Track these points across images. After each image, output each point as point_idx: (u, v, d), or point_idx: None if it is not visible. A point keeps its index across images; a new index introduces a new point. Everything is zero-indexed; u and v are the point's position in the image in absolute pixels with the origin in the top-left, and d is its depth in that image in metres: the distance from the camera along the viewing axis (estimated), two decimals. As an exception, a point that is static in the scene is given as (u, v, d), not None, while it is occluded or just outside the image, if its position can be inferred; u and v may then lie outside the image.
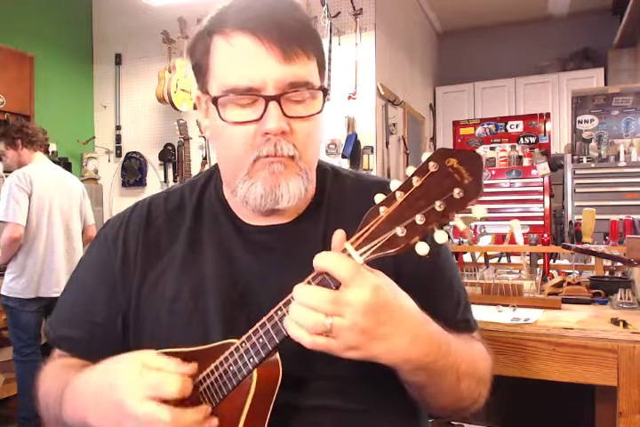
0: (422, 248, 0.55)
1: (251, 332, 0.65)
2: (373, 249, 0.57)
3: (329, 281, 0.58)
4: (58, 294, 2.83)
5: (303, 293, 0.58)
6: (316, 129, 0.75)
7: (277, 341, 0.62)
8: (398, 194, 0.56)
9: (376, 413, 0.75)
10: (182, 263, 0.80)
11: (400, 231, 0.55)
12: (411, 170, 0.57)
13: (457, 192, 0.53)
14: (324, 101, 0.75)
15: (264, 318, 0.64)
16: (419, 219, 0.54)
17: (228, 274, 0.78)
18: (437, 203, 0.54)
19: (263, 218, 0.80)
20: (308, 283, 0.60)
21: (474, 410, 0.78)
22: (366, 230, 0.58)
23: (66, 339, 0.84)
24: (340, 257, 0.57)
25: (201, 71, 0.75)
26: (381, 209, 0.57)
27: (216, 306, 0.76)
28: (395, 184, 0.57)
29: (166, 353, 0.74)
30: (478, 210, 0.54)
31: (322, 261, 0.57)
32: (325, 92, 0.75)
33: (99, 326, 0.82)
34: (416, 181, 0.55)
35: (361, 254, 0.58)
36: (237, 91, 0.70)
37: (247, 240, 0.80)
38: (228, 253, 0.80)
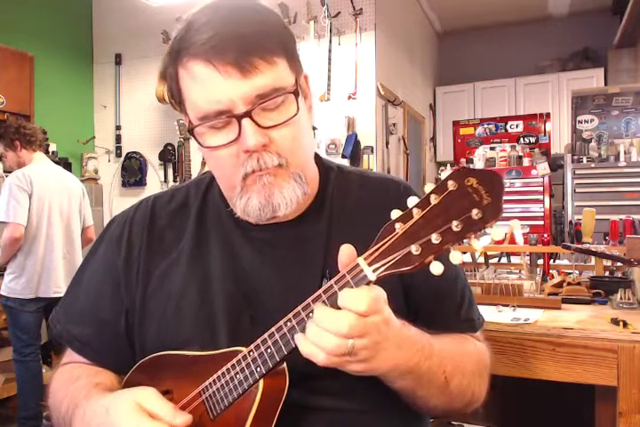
0: (437, 268, 0.54)
1: (259, 341, 0.64)
2: (387, 266, 0.56)
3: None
4: (57, 295, 2.84)
5: (329, 319, 0.57)
6: (298, 131, 0.74)
7: (285, 352, 0.62)
8: (415, 211, 0.55)
9: (378, 413, 0.75)
10: (188, 262, 0.81)
11: (415, 249, 0.54)
12: (429, 187, 0.56)
13: (475, 213, 0.52)
14: (297, 102, 0.73)
15: (273, 328, 0.63)
16: (434, 238, 0.53)
17: (233, 272, 0.79)
18: (454, 223, 0.53)
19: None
20: (319, 297, 0.60)
21: (472, 409, 0.79)
22: (380, 246, 0.57)
23: (74, 338, 0.85)
24: (357, 296, 0.57)
25: (175, 98, 0.76)
26: (397, 225, 0.56)
27: (222, 304, 0.77)
28: (412, 200, 0.56)
29: (175, 355, 0.74)
30: (496, 232, 0.54)
31: (344, 301, 0.57)
32: (297, 93, 0.73)
33: (106, 324, 0.83)
34: (434, 199, 0.54)
35: (374, 270, 0.57)
36: (209, 116, 0.70)
37: (251, 238, 0.81)
38: (232, 252, 0.80)
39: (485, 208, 0.52)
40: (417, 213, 0.55)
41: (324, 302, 0.60)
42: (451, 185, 0.54)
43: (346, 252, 0.60)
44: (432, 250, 0.54)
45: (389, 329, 0.61)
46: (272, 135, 0.71)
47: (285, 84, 0.71)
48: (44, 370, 2.90)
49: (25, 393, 2.75)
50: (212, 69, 0.68)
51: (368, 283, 0.58)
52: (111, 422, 0.66)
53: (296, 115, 0.72)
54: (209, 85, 0.69)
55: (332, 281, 0.60)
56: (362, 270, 0.58)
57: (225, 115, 0.69)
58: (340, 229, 0.80)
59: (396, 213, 0.57)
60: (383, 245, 0.57)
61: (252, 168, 0.71)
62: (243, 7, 0.72)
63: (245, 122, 0.69)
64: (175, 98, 0.76)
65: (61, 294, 2.82)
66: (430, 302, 0.79)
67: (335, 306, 0.58)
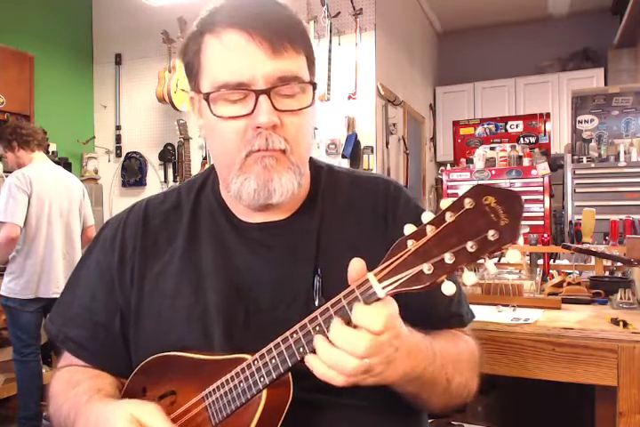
0: (449, 288, 0.53)
1: (264, 350, 0.64)
2: (397, 284, 0.55)
3: (347, 311, 0.58)
4: (56, 295, 2.83)
5: (345, 339, 0.57)
6: (306, 124, 0.76)
7: (290, 364, 0.61)
8: (429, 228, 0.53)
9: (376, 409, 0.76)
10: (181, 261, 0.81)
11: (427, 268, 0.53)
12: (445, 203, 0.54)
13: (491, 234, 0.50)
14: (313, 96, 0.75)
15: (278, 339, 0.63)
16: (448, 258, 0.52)
17: (226, 270, 0.79)
18: (469, 243, 0.51)
19: (259, 215, 0.81)
20: (326, 310, 0.59)
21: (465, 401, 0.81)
22: (391, 263, 0.55)
23: (71, 340, 0.85)
24: (373, 315, 0.56)
25: (193, 71, 0.76)
26: (409, 242, 0.54)
27: (215, 301, 0.77)
28: (426, 216, 0.55)
29: (180, 357, 0.74)
30: (512, 255, 0.51)
31: (360, 320, 0.57)
32: (315, 86, 0.76)
33: (101, 326, 0.83)
34: (449, 217, 0.52)
35: (384, 287, 0.56)
36: (228, 86, 0.71)
37: (244, 237, 0.81)
38: (225, 250, 0.80)
39: (503, 229, 0.50)
40: (431, 231, 0.53)
41: (333, 316, 0.59)
42: (467, 203, 0.52)
43: (356, 266, 0.59)
44: (445, 270, 0.52)
45: (400, 342, 0.61)
46: (283, 120, 0.72)
47: (304, 76, 0.74)
48: (43, 370, 2.90)
49: (25, 393, 2.74)
50: (249, 40, 0.70)
51: (377, 300, 0.57)
52: None
53: (310, 106, 0.75)
54: (241, 52, 0.70)
55: (341, 295, 0.59)
56: (371, 286, 0.56)
57: (243, 87, 0.71)
58: (332, 228, 0.81)
59: (409, 229, 0.55)
60: (394, 261, 0.55)
61: (258, 146, 0.72)
62: (271, 1, 0.76)
63: (262, 98, 0.70)
64: (192, 71, 0.76)
65: (61, 295, 2.77)
66: (420, 296, 0.80)
67: (345, 320, 0.57)
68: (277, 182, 0.73)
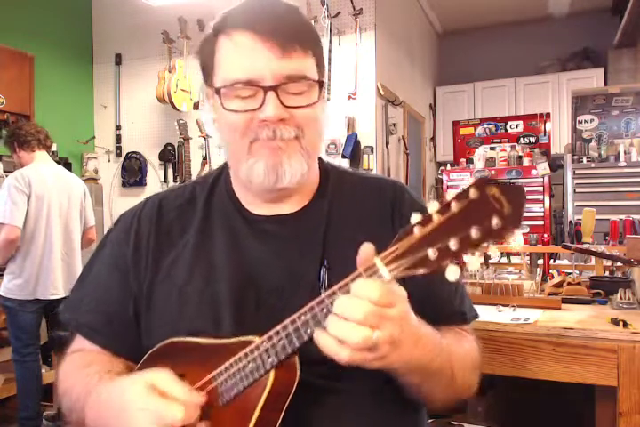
0: (452, 273, 0.55)
1: (272, 332, 0.66)
2: (403, 267, 0.57)
3: None
4: (55, 296, 2.83)
5: (348, 306, 0.58)
6: (317, 115, 0.79)
7: (297, 345, 0.63)
8: (435, 216, 0.56)
9: (380, 397, 0.77)
10: (193, 252, 0.84)
11: (432, 253, 0.55)
12: (451, 194, 0.56)
13: (495, 222, 0.52)
14: (320, 93, 0.79)
15: (287, 320, 0.64)
16: (452, 244, 0.54)
17: (238, 261, 0.82)
18: (473, 231, 0.53)
19: (269, 207, 0.84)
20: (334, 293, 0.61)
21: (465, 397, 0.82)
22: (398, 247, 0.58)
23: (84, 325, 0.87)
24: (368, 284, 0.58)
25: (207, 69, 0.81)
26: (416, 229, 0.57)
27: (225, 289, 0.80)
28: (433, 206, 0.57)
29: (188, 342, 0.76)
30: (515, 243, 0.54)
31: (356, 289, 0.58)
32: (322, 84, 0.79)
33: (115, 312, 0.86)
34: (455, 206, 0.55)
35: (390, 271, 0.58)
36: (238, 82, 0.75)
37: (255, 229, 0.84)
38: (237, 242, 0.83)
39: (506, 218, 0.52)
40: (437, 218, 0.56)
41: (333, 292, 0.61)
42: (472, 193, 0.54)
43: (366, 250, 0.62)
44: (449, 255, 0.55)
45: (407, 325, 0.62)
46: (293, 112, 0.76)
47: (313, 75, 0.78)
48: (43, 370, 2.90)
49: (24, 393, 2.75)
50: (257, 41, 0.74)
51: None
52: (126, 402, 0.67)
53: (317, 102, 0.78)
54: (248, 53, 0.75)
55: (349, 278, 0.61)
56: (378, 270, 0.59)
57: (253, 84, 0.75)
58: (339, 224, 0.84)
59: (416, 217, 0.58)
60: (401, 246, 0.58)
61: (266, 136, 0.75)
62: (282, 4, 0.80)
63: (270, 94, 0.74)
64: (208, 68, 0.81)
65: (59, 296, 2.80)
66: (423, 293, 0.80)
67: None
68: (287, 164, 0.76)
